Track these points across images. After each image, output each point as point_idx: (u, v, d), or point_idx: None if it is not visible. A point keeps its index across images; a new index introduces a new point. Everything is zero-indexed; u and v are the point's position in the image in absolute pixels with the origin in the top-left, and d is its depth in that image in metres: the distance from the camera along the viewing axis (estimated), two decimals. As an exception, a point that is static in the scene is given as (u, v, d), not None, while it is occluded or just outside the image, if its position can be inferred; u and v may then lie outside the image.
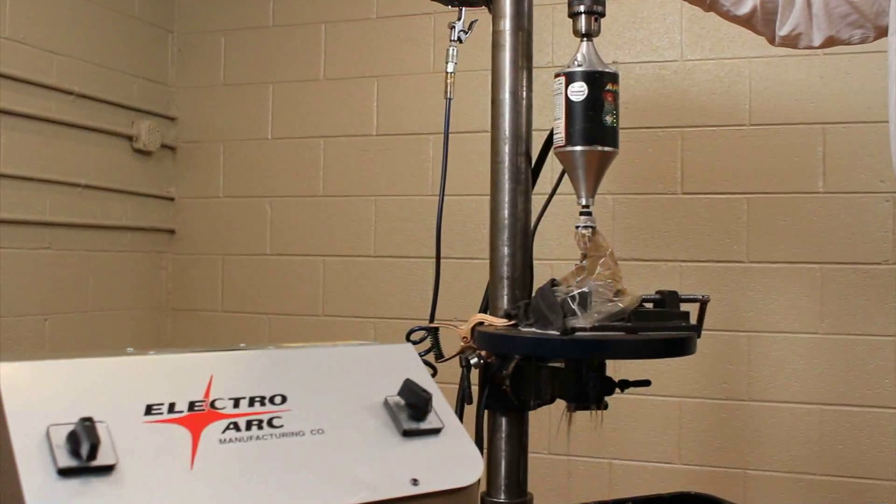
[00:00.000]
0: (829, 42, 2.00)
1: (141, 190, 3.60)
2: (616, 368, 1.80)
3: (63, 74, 3.21)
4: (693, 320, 1.74)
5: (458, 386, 1.85)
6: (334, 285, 3.52)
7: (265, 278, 3.62)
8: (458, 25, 2.06)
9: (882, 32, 1.92)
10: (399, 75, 3.45)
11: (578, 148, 1.74)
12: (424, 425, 1.32)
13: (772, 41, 2.08)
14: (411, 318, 2.05)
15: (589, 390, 1.70)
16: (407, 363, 1.45)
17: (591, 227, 1.76)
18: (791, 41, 2.03)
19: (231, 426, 1.20)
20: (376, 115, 3.49)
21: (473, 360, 1.81)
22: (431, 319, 1.98)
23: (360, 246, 3.49)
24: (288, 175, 3.61)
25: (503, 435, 1.87)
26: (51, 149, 3.17)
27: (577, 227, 1.76)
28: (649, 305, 1.74)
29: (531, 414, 1.89)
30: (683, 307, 1.76)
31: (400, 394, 1.34)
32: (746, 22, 2.06)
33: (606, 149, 1.75)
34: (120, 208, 3.50)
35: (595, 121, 1.73)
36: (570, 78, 1.74)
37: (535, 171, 1.96)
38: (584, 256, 1.74)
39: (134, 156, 3.58)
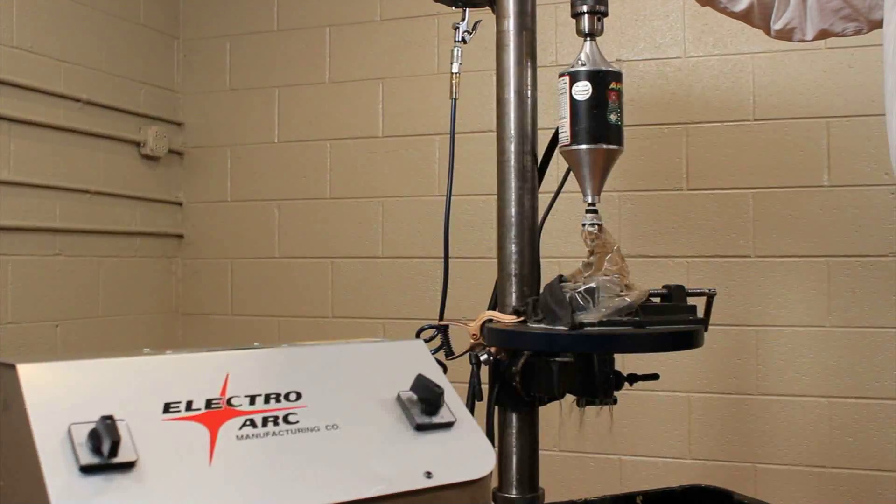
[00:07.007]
0: (822, 35, 2.03)
1: (149, 195, 3.63)
2: (624, 364, 1.82)
3: (71, 82, 3.24)
4: (700, 314, 1.76)
5: (467, 384, 1.87)
6: (343, 287, 3.54)
7: (274, 281, 3.64)
8: (462, 26, 2.08)
9: (875, 25, 1.94)
10: (404, 77, 3.47)
11: (584, 146, 1.76)
12: (437, 419, 1.34)
13: (768, 33, 2.10)
14: (420, 318, 2.06)
15: (598, 384, 1.72)
16: (418, 359, 1.47)
17: (598, 224, 1.78)
18: (785, 35, 2.06)
19: (248, 423, 1.23)
20: (382, 117, 3.51)
21: (483, 357, 1.83)
22: (441, 318, 2.00)
23: (368, 247, 3.51)
24: (295, 178, 3.63)
25: (514, 430, 1.89)
26: (60, 156, 3.20)
27: (584, 224, 1.79)
28: (656, 300, 1.76)
29: (541, 411, 1.91)
30: (690, 301, 1.78)
31: (412, 389, 1.36)
32: (744, 17, 2.09)
33: (611, 147, 1.77)
34: (129, 214, 3.53)
35: (600, 119, 1.75)
36: (574, 77, 1.76)
37: (541, 170, 1.97)
38: (591, 253, 1.77)
39: (142, 161, 3.61)
